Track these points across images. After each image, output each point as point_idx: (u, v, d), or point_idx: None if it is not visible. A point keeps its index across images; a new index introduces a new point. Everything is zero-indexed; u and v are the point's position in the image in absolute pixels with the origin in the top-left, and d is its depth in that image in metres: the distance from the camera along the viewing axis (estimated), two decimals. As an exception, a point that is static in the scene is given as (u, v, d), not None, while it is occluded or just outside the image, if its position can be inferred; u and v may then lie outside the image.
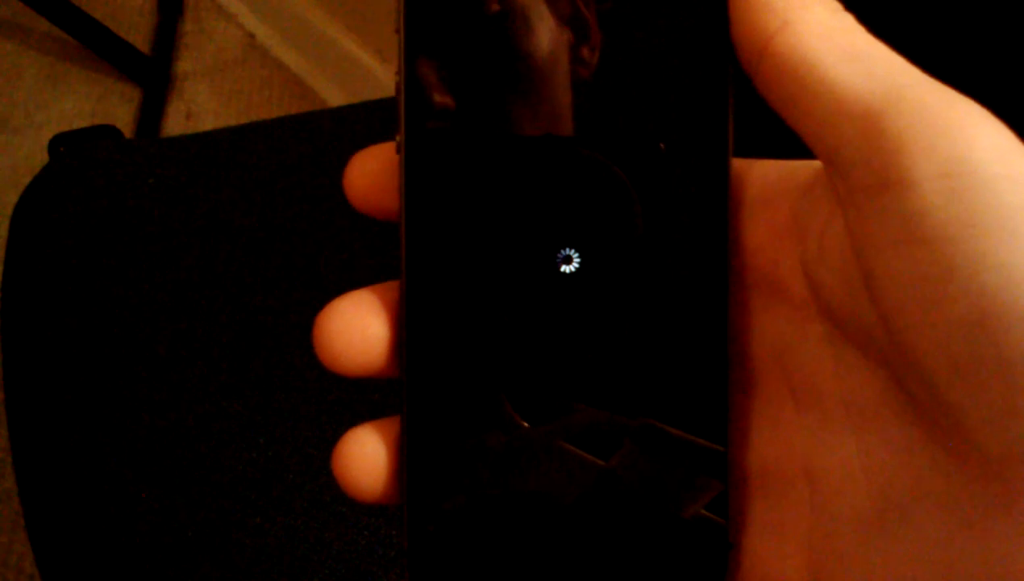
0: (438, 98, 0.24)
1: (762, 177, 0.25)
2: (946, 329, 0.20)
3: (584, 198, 0.24)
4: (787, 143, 0.23)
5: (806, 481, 0.23)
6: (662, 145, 0.24)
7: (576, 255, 0.24)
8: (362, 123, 0.61)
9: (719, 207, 0.24)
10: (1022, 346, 0.19)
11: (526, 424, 0.24)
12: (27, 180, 0.59)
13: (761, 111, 0.23)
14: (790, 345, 0.24)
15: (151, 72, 1.18)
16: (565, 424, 0.24)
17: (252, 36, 1.21)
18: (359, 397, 0.50)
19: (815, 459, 0.23)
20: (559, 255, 0.24)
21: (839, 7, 0.22)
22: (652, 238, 0.24)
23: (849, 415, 0.23)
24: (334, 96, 1.15)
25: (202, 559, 0.47)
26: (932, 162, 0.20)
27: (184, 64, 1.20)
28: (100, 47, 1.17)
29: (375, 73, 1.07)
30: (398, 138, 0.24)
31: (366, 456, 0.24)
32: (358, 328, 0.24)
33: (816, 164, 0.23)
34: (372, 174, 0.25)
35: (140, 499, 0.48)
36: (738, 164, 0.25)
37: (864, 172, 0.21)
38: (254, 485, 0.48)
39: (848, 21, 0.22)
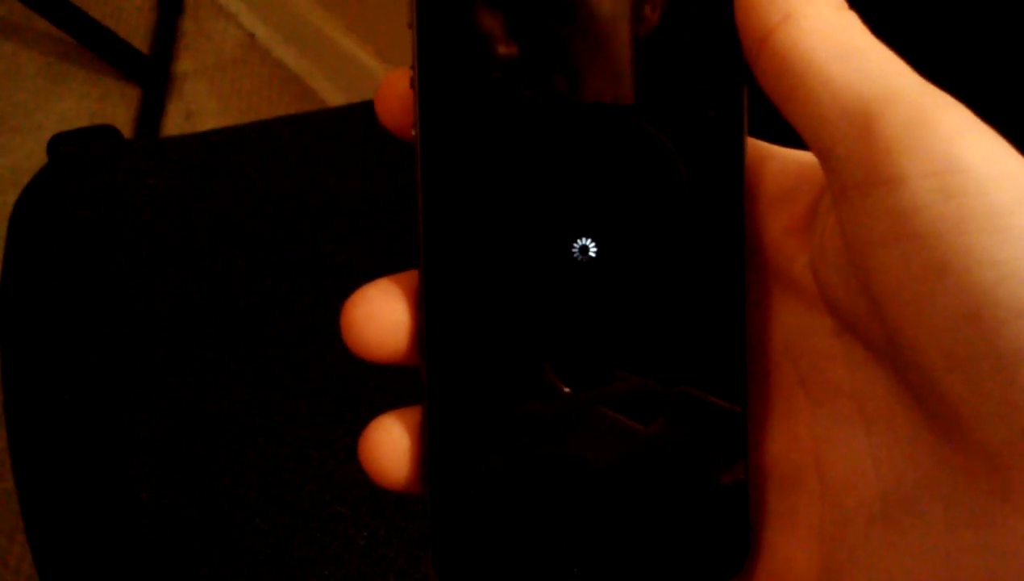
0: (469, 62, 0.24)
1: (783, 169, 0.25)
2: (940, 324, 0.20)
3: (623, 173, 0.24)
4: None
5: (816, 473, 0.24)
6: (698, 118, 0.24)
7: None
8: (362, 123, 0.61)
9: (735, 185, 0.24)
10: (1017, 340, 0.19)
11: (568, 390, 0.24)
12: (26, 180, 0.59)
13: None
14: (802, 340, 0.24)
15: (150, 72, 1.18)
16: (607, 390, 0.24)
17: (252, 36, 1.21)
18: (360, 397, 0.50)
19: (825, 452, 0.24)
20: (596, 229, 0.24)
21: (843, 4, 0.23)
22: (691, 212, 0.24)
23: (859, 409, 0.23)
24: (334, 96, 1.15)
25: (202, 559, 0.47)
26: (924, 160, 0.20)
27: (184, 64, 1.20)
28: (99, 47, 1.17)
29: (375, 73, 1.07)
30: (414, 132, 0.24)
31: (393, 443, 0.25)
32: (385, 314, 0.24)
33: None
34: (403, 95, 0.25)
35: (140, 500, 0.48)
36: (757, 149, 0.25)
37: (856, 169, 0.21)
38: (254, 485, 0.48)
39: (850, 19, 0.22)
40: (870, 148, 0.21)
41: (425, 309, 0.24)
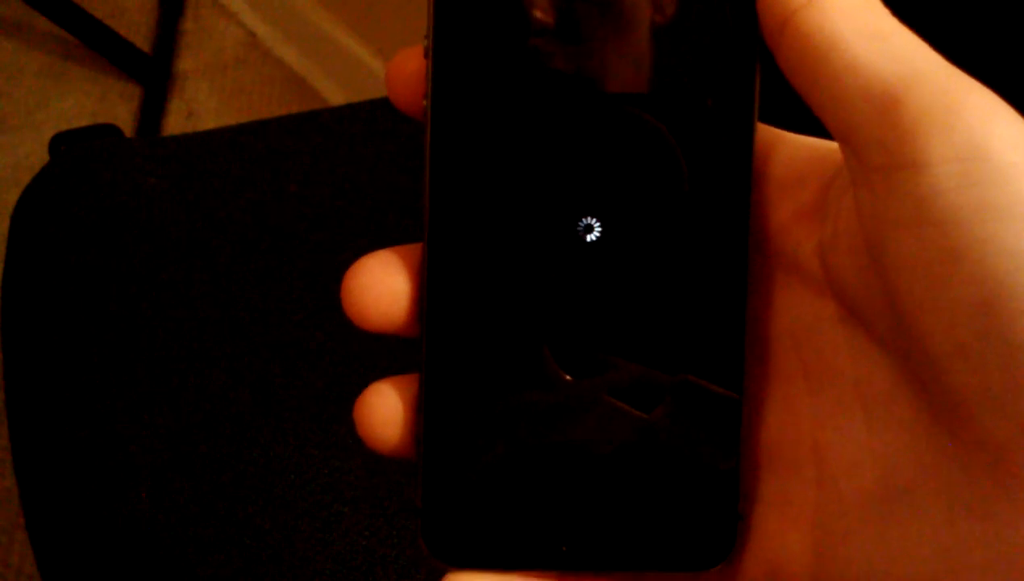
0: (473, 52, 0.24)
1: (793, 155, 0.25)
2: (952, 311, 0.20)
3: (631, 157, 0.24)
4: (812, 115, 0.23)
5: (814, 460, 0.24)
6: (709, 101, 0.24)
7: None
8: (363, 122, 0.60)
9: (743, 171, 0.24)
10: None
11: (569, 377, 0.25)
12: (27, 179, 0.59)
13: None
14: (806, 326, 0.24)
15: (152, 71, 1.18)
16: (607, 378, 0.25)
17: (253, 34, 1.21)
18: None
19: (824, 439, 0.24)
20: (600, 213, 0.24)
21: None
22: (691, 199, 0.24)
23: (860, 397, 0.23)
24: (335, 95, 1.15)
25: (202, 559, 0.47)
26: (947, 146, 0.20)
27: (185, 63, 1.20)
28: (101, 46, 1.17)
29: (376, 72, 1.07)
30: (425, 103, 0.24)
31: (387, 409, 0.25)
32: (385, 284, 0.25)
33: None
34: (415, 72, 0.25)
35: (140, 499, 0.48)
36: (767, 134, 0.25)
37: (879, 152, 0.21)
38: (255, 485, 0.48)
39: (873, 2, 0.22)
40: (894, 131, 0.20)
41: (427, 279, 0.24)
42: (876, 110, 0.21)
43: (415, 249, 0.25)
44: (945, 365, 0.20)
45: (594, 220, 0.24)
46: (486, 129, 0.24)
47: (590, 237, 0.24)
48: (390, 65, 0.25)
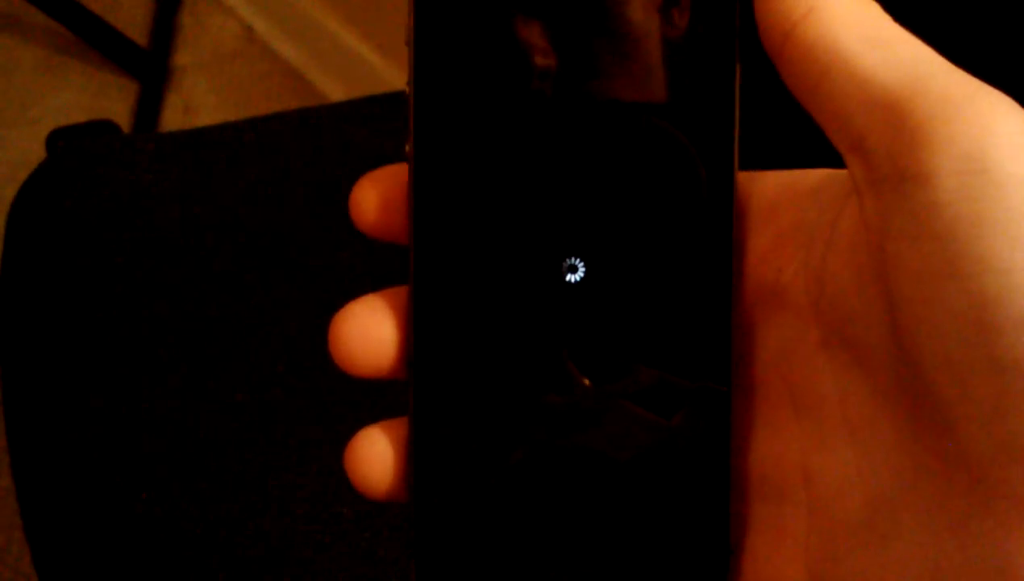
0: (462, 60, 0.24)
1: (766, 187, 0.25)
2: (944, 327, 0.20)
3: (651, 167, 0.24)
4: (791, 154, 0.23)
5: (804, 484, 0.24)
6: (690, 121, 0.24)
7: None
8: (362, 118, 0.60)
9: (727, 188, 0.24)
10: (1014, 350, 0.19)
11: (587, 382, 0.25)
12: (24, 175, 0.59)
13: (765, 120, 0.23)
14: (791, 351, 0.24)
15: (149, 65, 1.18)
16: (626, 384, 0.25)
17: (250, 29, 1.21)
18: (361, 399, 0.50)
19: (813, 463, 0.24)
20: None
21: None
22: (702, 211, 0.24)
23: (845, 420, 0.23)
24: (333, 90, 1.14)
25: (201, 560, 0.47)
26: (950, 156, 0.20)
27: (182, 57, 1.20)
28: (97, 40, 1.17)
29: (375, 67, 1.06)
30: (410, 141, 0.24)
31: (376, 454, 0.25)
32: (372, 331, 0.25)
33: (822, 171, 0.24)
34: (380, 197, 0.25)
35: (140, 499, 0.48)
36: (743, 176, 0.25)
37: (886, 162, 0.21)
38: (254, 486, 0.48)
39: (874, 9, 0.22)
40: (900, 140, 0.20)
41: (414, 324, 0.24)
42: (881, 119, 0.21)
43: (401, 292, 0.25)
44: (933, 378, 0.20)
45: (579, 250, 0.24)
46: (473, 158, 0.24)
47: (577, 271, 0.24)
48: (354, 192, 0.25)
